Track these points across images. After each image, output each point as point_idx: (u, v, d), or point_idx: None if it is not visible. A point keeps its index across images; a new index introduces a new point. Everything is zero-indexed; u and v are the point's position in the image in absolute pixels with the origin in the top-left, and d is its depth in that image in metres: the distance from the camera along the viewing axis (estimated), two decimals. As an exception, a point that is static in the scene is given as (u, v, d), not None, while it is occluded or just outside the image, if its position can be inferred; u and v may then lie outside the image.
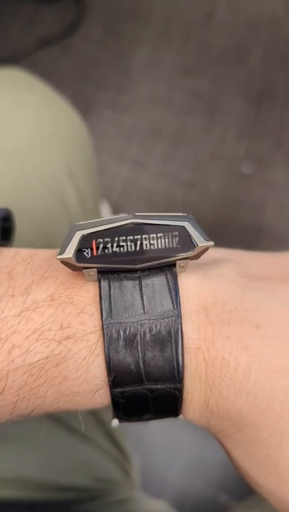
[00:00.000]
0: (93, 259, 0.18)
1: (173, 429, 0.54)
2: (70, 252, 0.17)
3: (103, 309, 0.18)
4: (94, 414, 0.40)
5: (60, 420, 0.37)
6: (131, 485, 0.42)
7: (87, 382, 0.18)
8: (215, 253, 0.22)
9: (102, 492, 0.38)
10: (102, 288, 0.18)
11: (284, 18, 1.19)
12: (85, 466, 0.38)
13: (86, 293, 0.18)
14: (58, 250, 0.18)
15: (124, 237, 0.17)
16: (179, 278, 0.19)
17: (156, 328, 0.18)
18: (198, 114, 1.09)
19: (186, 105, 1.10)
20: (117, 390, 0.18)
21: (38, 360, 0.18)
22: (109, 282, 0.18)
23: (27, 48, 1.16)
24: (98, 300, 0.18)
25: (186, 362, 0.18)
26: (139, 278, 0.18)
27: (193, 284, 0.19)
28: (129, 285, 0.18)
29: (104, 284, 0.18)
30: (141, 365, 0.18)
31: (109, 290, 0.18)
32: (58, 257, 0.17)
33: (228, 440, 0.20)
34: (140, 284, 0.18)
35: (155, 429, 0.53)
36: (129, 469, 0.42)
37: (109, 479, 0.39)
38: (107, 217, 0.18)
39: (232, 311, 0.19)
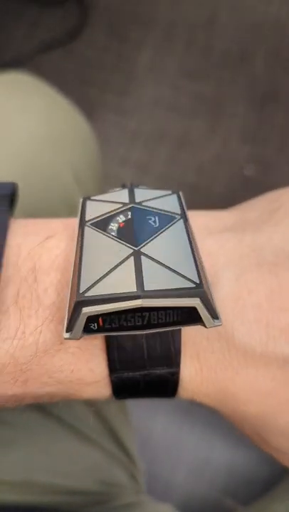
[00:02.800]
0: (99, 330, 0.17)
1: (178, 433, 0.54)
2: (77, 333, 0.17)
3: (110, 362, 0.19)
4: (101, 417, 0.40)
5: (67, 424, 0.37)
6: (138, 489, 0.42)
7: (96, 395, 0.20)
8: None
9: (109, 496, 0.38)
10: (109, 343, 0.18)
11: (288, 21, 1.19)
12: (92, 470, 0.38)
13: (94, 340, 0.19)
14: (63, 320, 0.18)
15: (132, 314, 0.17)
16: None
17: (156, 378, 0.19)
18: (202, 118, 1.09)
19: (189, 108, 1.10)
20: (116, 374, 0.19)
21: (50, 391, 0.19)
22: (116, 338, 0.18)
23: (30, 52, 1.17)
24: (105, 352, 0.19)
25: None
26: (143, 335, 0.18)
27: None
28: (134, 343, 0.19)
29: (112, 339, 0.18)
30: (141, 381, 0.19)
31: (116, 342, 0.18)
32: (65, 337, 0.17)
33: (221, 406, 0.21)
34: (146, 337, 0.18)
35: (160, 433, 0.53)
36: (135, 473, 0.42)
37: (116, 483, 0.39)
38: (111, 268, 0.17)
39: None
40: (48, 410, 0.36)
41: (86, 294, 0.16)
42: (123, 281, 0.17)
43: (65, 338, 0.17)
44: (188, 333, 0.19)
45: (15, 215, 0.25)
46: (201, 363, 0.19)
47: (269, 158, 1.04)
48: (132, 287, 0.16)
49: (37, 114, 0.42)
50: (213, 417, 0.52)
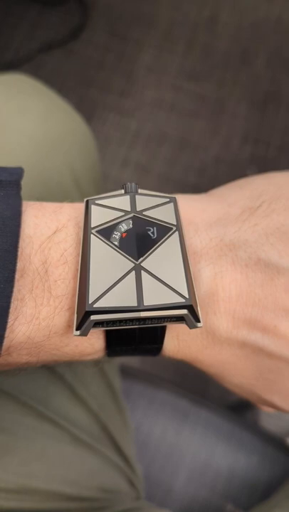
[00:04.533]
0: (101, 326, 0.21)
1: (177, 437, 0.53)
2: (85, 333, 0.20)
3: (108, 348, 0.23)
4: (99, 423, 0.39)
5: (64, 430, 0.37)
6: (136, 495, 0.42)
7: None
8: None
9: (107, 502, 0.38)
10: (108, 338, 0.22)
11: (289, 21, 1.18)
12: (91, 476, 0.37)
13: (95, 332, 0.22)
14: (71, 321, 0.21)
15: (131, 320, 0.20)
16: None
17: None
18: (203, 118, 1.08)
19: (190, 109, 1.09)
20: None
21: (54, 360, 0.23)
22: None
23: (31, 52, 1.16)
24: (104, 344, 0.23)
25: None
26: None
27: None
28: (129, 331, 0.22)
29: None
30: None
31: (114, 333, 0.22)
32: (75, 334, 0.20)
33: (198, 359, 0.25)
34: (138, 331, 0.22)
35: (159, 437, 0.53)
36: (134, 479, 0.42)
37: (114, 489, 0.39)
38: (116, 280, 0.20)
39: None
40: (45, 415, 0.36)
41: (94, 306, 0.20)
42: (126, 294, 0.20)
43: (75, 335, 0.20)
44: None
45: None
46: (178, 341, 0.23)
47: (271, 158, 1.03)
48: (133, 302, 0.20)
49: (36, 116, 0.41)
50: (213, 421, 0.52)
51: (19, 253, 0.21)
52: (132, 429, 0.45)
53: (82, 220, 0.23)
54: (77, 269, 0.21)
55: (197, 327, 0.21)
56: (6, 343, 0.20)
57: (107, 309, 0.20)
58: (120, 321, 0.20)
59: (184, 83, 1.13)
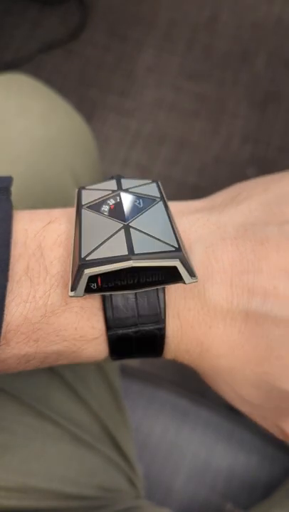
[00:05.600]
0: (98, 289, 0.21)
1: (177, 436, 0.53)
2: (80, 291, 0.20)
3: (107, 317, 0.22)
4: (98, 421, 0.39)
5: (63, 428, 0.37)
6: (136, 493, 0.42)
7: (95, 356, 0.23)
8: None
9: (107, 501, 0.38)
10: (105, 303, 0.22)
11: (289, 21, 1.19)
12: (90, 475, 0.38)
13: (93, 301, 0.22)
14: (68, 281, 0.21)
15: (124, 274, 0.20)
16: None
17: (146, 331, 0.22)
18: (203, 118, 1.08)
19: (190, 109, 1.10)
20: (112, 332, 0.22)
21: (57, 350, 0.22)
22: (110, 297, 0.22)
23: (31, 52, 1.16)
24: (102, 310, 0.22)
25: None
26: (135, 294, 0.22)
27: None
28: (127, 297, 0.22)
29: (107, 300, 0.22)
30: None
31: (111, 302, 0.22)
32: (70, 294, 0.20)
33: (197, 365, 0.24)
34: (136, 298, 0.22)
35: (159, 436, 0.53)
36: (134, 478, 0.42)
37: (114, 488, 0.39)
38: (108, 254, 0.21)
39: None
40: (45, 414, 0.36)
41: (87, 258, 0.20)
42: (116, 247, 0.21)
43: (70, 296, 0.20)
44: (170, 296, 0.22)
45: None
46: (180, 320, 0.23)
47: (271, 159, 1.03)
48: (124, 251, 0.20)
49: (36, 116, 0.41)
50: (213, 420, 0.52)
51: (14, 241, 0.22)
52: (132, 428, 0.45)
53: (74, 211, 0.23)
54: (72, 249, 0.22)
55: (192, 281, 0.21)
56: (4, 327, 0.21)
57: (99, 260, 0.20)
58: (115, 281, 0.20)
59: (184, 83, 1.13)
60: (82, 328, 0.22)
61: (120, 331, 0.22)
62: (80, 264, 0.20)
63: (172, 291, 0.22)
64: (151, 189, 0.25)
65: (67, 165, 0.41)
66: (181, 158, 1.04)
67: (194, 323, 0.23)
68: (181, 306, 0.23)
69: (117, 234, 0.21)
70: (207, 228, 0.24)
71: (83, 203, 0.23)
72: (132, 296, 0.22)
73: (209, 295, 0.22)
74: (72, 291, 0.20)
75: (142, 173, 1.03)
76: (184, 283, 0.21)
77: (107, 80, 1.14)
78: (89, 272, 0.20)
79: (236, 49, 1.16)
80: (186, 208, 0.26)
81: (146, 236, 0.21)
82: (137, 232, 0.21)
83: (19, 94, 0.42)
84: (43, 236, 0.22)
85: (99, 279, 0.20)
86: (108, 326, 0.22)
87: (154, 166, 1.04)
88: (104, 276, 0.20)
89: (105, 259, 0.20)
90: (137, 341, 0.23)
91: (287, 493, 0.44)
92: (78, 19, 1.20)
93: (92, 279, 0.20)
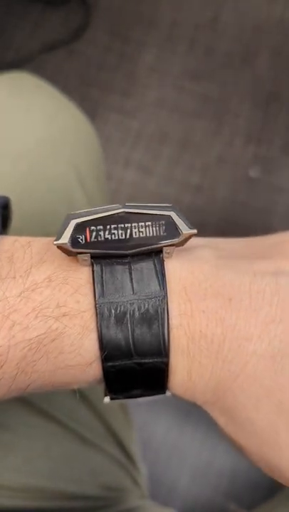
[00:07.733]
0: (87, 245, 0.20)
1: (180, 436, 0.53)
2: (65, 238, 0.19)
3: (96, 290, 0.20)
4: (102, 421, 0.39)
5: (67, 427, 0.37)
6: (140, 493, 0.41)
7: (80, 355, 0.20)
8: (195, 241, 0.24)
9: (111, 501, 0.38)
10: (95, 272, 0.20)
11: (291, 21, 1.18)
12: (94, 475, 0.37)
13: (80, 275, 0.21)
14: (54, 237, 0.20)
15: (115, 225, 0.20)
16: (164, 263, 0.21)
17: (144, 307, 0.20)
18: (206, 118, 1.08)
19: (193, 109, 1.09)
20: (108, 363, 0.20)
21: (36, 336, 0.20)
22: (101, 266, 0.20)
23: (33, 52, 1.16)
24: (91, 281, 0.20)
25: (170, 337, 0.20)
26: (129, 263, 0.20)
27: (174, 268, 0.21)
28: (120, 269, 0.20)
29: (97, 268, 0.20)
30: (130, 341, 0.20)
31: (102, 273, 0.20)
32: (55, 242, 0.19)
33: (213, 409, 0.22)
34: (130, 269, 0.20)
35: (162, 436, 0.52)
36: (137, 477, 0.42)
37: (118, 488, 0.39)
38: (100, 207, 0.20)
39: (207, 288, 0.21)
40: (48, 413, 0.36)
41: (75, 213, 0.20)
42: (109, 206, 0.20)
43: (54, 243, 0.19)
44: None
45: (15, 216, 0.27)
46: (190, 302, 0.21)
47: (274, 158, 1.03)
48: (116, 207, 0.20)
49: (40, 114, 0.41)
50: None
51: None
52: (135, 428, 0.45)
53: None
54: None
55: (190, 232, 0.20)
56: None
57: (88, 212, 0.20)
58: (105, 235, 0.20)
59: (185, 83, 1.13)
60: (65, 303, 0.21)
61: (113, 332, 0.20)
62: (68, 214, 0.20)
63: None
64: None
65: (71, 164, 0.41)
66: (183, 158, 1.04)
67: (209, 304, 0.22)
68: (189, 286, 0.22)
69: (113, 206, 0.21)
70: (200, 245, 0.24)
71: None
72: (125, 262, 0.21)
73: (229, 278, 0.22)
74: (57, 240, 0.19)
75: (144, 173, 1.03)
76: (181, 233, 0.20)
77: (109, 80, 1.14)
78: (75, 219, 0.19)
79: (238, 49, 1.16)
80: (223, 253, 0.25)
81: (141, 205, 0.20)
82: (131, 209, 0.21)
83: (23, 93, 0.42)
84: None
85: (87, 231, 0.19)
86: (97, 300, 0.20)
87: (156, 166, 1.04)
88: (94, 227, 0.19)
89: (94, 211, 0.20)
90: (133, 344, 0.21)
91: (291, 493, 0.43)
92: (80, 19, 1.20)
93: (80, 229, 0.19)
